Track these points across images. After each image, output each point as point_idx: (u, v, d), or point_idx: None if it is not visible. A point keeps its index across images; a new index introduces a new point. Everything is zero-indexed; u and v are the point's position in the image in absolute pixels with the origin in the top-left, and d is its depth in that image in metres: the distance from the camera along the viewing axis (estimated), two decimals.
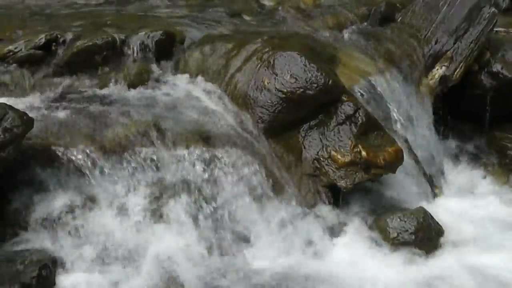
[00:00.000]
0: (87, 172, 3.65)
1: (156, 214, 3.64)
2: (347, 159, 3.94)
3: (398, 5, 5.26)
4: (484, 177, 4.73)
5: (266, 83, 4.06)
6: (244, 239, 3.71)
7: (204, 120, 4.01)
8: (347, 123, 4.02)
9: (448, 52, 4.83)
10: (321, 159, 3.98)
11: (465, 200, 4.43)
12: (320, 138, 4.03)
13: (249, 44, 4.35)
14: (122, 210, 3.63)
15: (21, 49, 4.45)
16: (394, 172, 4.06)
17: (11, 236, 3.49)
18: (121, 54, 4.50)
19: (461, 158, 4.86)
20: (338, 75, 4.25)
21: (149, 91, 4.28)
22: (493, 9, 4.97)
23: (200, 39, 4.67)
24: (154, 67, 4.48)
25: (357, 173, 3.94)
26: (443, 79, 4.78)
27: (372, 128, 4.07)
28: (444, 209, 4.30)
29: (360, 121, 4.02)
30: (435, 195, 4.45)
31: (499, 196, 4.51)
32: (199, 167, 3.78)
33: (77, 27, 4.74)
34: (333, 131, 4.02)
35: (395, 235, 3.84)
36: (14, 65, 4.40)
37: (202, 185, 3.75)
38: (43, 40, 4.49)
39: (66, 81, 4.37)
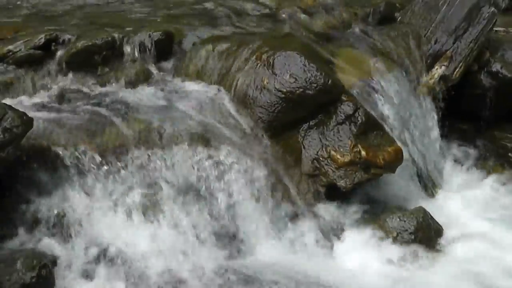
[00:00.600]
0: (87, 172, 3.65)
1: (156, 214, 3.64)
2: (347, 159, 3.94)
3: (397, 4, 5.26)
4: (484, 177, 4.72)
5: (265, 83, 4.06)
6: (244, 239, 3.71)
7: (204, 120, 4.00)
8: (347, 123, 4.02)
9: (448, 52, 4.83)
10: (321, 159, 3.98)
11: (464, 200, 4.43)
12: (320, 138, 4.03)
13: (248, 44, 4.35)
14: (122, 210, 3.63)
15: (20, 49, 4.44)
16: (393, 171, 4.06)
17: (11, 236, 3.49)
18: (121, 54, 4.50)
19: (461, 158, 4.86)
20: (337, 74, 4.25)
21: (149, 91, 4.27)
22: (492, 8, 4.97)
23: (199, 39, 4.66)
24: (153, 67, 4.48)
25: (356, 173, 3.95)
26: (442, 78, 4.78)
27: (371, 128, 4.07)
28: (444, 208, 4.31)
29: (360, 121, 4.02)
30: (434, 195, 4.45)
31: (499, 196, 4.51)
32: (198, 167, 3.78)
33: (77, 27, 4.74)
34: (333, 131, 4.02)
35: (395, 234, 3.84)
36: (14, 65, 4.40)
37: (202, 185, 3.75)
38: (42, 40, 4.49)
39: (66, 81, 4.37)
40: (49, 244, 3.47)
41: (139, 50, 4.49)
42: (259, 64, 4.14)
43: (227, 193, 3.76)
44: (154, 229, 3.60)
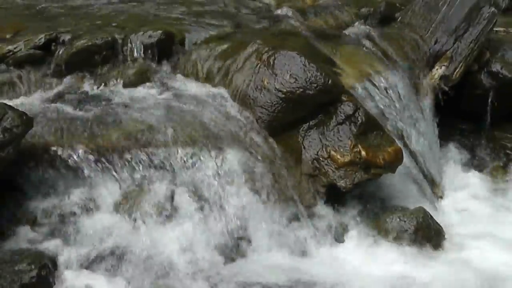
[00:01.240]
0: (87, 172, 3.65)
1: (156, 214, 3.64)
2: (347, 159, 3.94)
3: (397, 4, 5.26)
4: (484, 177, 4.72)
5: (265, 83, 4.06)
6: (244, 239, 3.71)
7: (203, 120, 4.00)
8: (347, 123, 4.02)
9: (448, 52, 4.82)
10: (321, 159, 3.98)
11: (464, 200, 4.43)
12: (320, 138, 4.02)
13: (248, 44, 4.34)
14: (122, 210, 3.63)
15: (20, 49, 4.45)
16: (393, 172, 4.06)
17: (11, 236, 3.49)
18: (121, 54, 4.50)
19: (461, 158, 4.85)
20: (337, 74, 4.25)
21: (149, 91, 4.28)
22: (492, 9, 4.96)
23: (200, 39, 4.67)
24: (154, 67, 4.48)
25: (356, 173, 3.94)
26: (442, 79, 4.78)
27: (371, 128, 4.07)
28: (444, 209, 4.31)
29: (360, 121, 4.02)
30: (434, 195, 4.45)
31: (499, 196, 4.51)
32: (198, 167, 3.78)
33: (76, 27, 4.75)
34: (333, 131, 4.02)
35: (395, 235, 3.84)
36: (14, 65, 4.41)
37: (201, 185, 3.75)
38: (42, 40, 4.50)
39: (66, 81, 4.37)
40: (49, 244, 3.47)
41: (139, 50, 4.50)
42: (259, 64, 4.14)
43: (226, 193, 3.75)
44: (154, 230, 3.60)
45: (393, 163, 4.02)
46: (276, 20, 5.19)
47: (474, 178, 4.70)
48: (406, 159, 4.19)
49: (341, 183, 3.93)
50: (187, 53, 4.56)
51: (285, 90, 4.00)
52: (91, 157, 3.67)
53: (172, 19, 5.02)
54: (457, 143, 4.95)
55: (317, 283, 3.50)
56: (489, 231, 4.04)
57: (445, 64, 4.80)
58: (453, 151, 4.89)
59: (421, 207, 4.01)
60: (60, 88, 4.30)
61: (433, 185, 4.48)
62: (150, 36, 4.55)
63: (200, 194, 3.72)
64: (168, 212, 3.64)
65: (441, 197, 4.46)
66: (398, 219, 3.89)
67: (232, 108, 4.12)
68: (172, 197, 3.68)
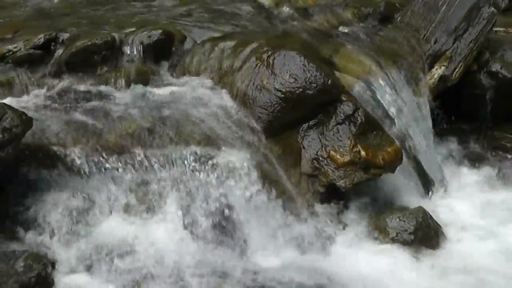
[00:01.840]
0: (87, 172, 3.65)
1: (156, 214, 3.64)
2: (346, 159, 3.94)
3: (397, 4, 5.26)
4: (484, 177, 4.72)
5: (265, 82, 4.06)
6: (243, 239, 3.71)
7: (203, 120, 4.00)
8: (346, 123, 4.02)
9: (447, 52, 4.82)
10: (320, 159, 3.98)
11: (464, 200, 4.43)
12: (319, 138, 4.03)
13: (248, 44, 4.35)
14: (122, 210, 3.63)
15: (20, 49, 4.45)
16: (393, 171, 4.06)
17: (11, 236, 3.49)
18: (121, 53, 4.51)
19: (461, 158, 4.86)
20: (337, 74, 4.25)
21: (148, 91, 4.27)
22: (492, 8, 4.97)
23: (199, 39, 4.67)
24: (153, 66, 4.48)
25: (356, 173, 3.94)
26: (442, 78, 4.78)
27: (371, 128, 4.07)
28: (443, 208, 4.31)
29: (359, 121, 4.02)
30: (434, 195, 4.45)
31: (499, 196, 4.51)
32: (198, 167, 3.78)
33: (76, 27, 4.75)
34: (332, 131, 4.02)
35: (394, 234, 3.85)
36: (13, 64, 4.40)
37: (201, 184, 3.75)
38: (42, 40, 4.50)
39: (65, 80, 4.37)
40: (49, 244, 3.47)
41: (139, 50, 4.50)
42: (259, 64, 4.14)
43: (226, 194, 3.75)
44: (153, 229, 3.60)
45: (393, 163, 4.03)
46: (276, 20, 5.19)
47: (474, 178, 4.70)
48: (406, 159, 4.19)
49: (341, 183, 3.93)
50: (187, 53, 4.56)
51: (284, 90, 4.00)
52: (90, 156, 3.67)
53: (172, 19, 5.01)
54: (456, 143, 4.95)
55: (316, 283, 3.50)
56: (489, 231, 4.04)
57: (445, 64, 4.80)
58: (453, 151, 4.90)
59: (420, 207, 4.01)
60: (59, 87, 4.29)
61: (432, 185, 4.48)
62: (149, 36, 4.55)
63: (200, 194, 3.72)
64: (168, 212, 3.64)
65: (441, 197, 4.46)
66: (398, 219, 3.89)
67: (232, 107, 4.12)
68: (172, 197, 3.68)
